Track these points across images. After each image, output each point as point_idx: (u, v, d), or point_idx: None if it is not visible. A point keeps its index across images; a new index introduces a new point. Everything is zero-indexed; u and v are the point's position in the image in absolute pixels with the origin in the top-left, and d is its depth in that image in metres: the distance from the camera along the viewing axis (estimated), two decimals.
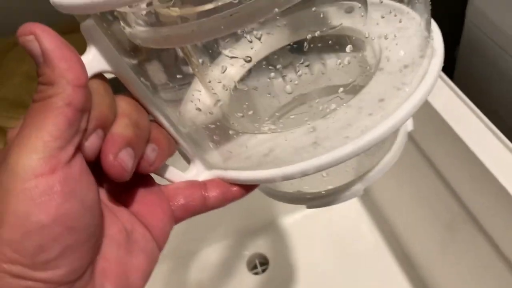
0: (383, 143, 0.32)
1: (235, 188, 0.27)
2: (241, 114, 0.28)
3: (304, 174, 0.25)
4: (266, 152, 0.27)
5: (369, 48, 0.29)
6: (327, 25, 0.27)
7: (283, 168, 0.26)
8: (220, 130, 0.29)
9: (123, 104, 0.24)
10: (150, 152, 0.24)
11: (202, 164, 0.28)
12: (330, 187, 0.31)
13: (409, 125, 0.33)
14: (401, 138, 0.32)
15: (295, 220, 0.73)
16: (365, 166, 0.32)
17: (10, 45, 0.60)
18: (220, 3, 0.20)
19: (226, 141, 0.28)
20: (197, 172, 0.28)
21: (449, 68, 0.71)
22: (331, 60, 0.28)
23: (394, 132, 0.31)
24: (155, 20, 0.23)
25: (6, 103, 0.55)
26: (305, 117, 0.27)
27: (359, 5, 0.28)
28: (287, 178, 0.26)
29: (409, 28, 0.29)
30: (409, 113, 0.25)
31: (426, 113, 0.52)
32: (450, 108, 0.50)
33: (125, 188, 0.25)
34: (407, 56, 0.28)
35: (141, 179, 0.25)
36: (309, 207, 0.32)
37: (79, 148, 0.21)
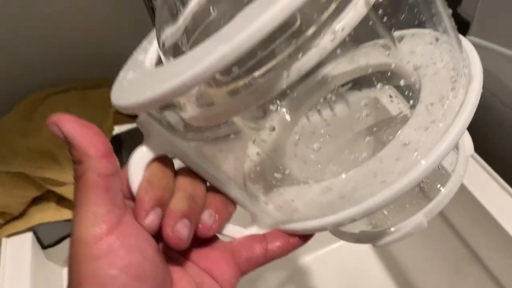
0: (441, 175, 0.32)
1: (293, 239, 0.30)
2: (278, 175, 0.31)
3: (352, 220, 0.27)
4: (310, 203, 0.29)
5: (407, 83, 0.30)
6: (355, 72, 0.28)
7: (331, 216, 0.27)
8: (265, 189, 0.31)
9: (181, 179, 0.27)
10: (208, 218, 0.27)
11: (262, 220, 0.30)
12: (393, 223, 0.32)
13: (468, 149, 0.32)
14: (460, 165, 0.32)
15: (305, 262, 0.74)
16: (426, 199, 0.32)
17: (41, 98, 0.64)
18: (243, 82, 0.24)
19: (274, 197, 0.31)
20: (258, 228, 0.30)
21: None
22: (360, 103, 0.29)
23: (451, 161, 0.32)
24: (198, 102, 0.26)
25: (35, 154, 0.58)
26: (339, 168, 0.29)
27: (389, 41, 0.29)
28: (337, 225, 0.27)
29: (436, 63, 0.29)
30: (447, 148, 0.25)
31: None
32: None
33: (193, 246, 0.28)
34: (433, 93, 0.28)
35: (207, 242, 0.29)
36: (375, 245, 0.32)
37: (125, 207, 0.25)
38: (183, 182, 0.27)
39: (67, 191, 0.59)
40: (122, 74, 0.26)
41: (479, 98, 0.26)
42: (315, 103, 0.29)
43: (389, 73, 0.28)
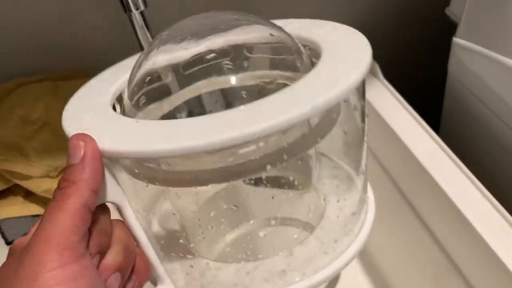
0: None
1: None
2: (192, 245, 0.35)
3: None
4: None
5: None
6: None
7: None
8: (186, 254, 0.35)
9: (118, 231, 0.29)
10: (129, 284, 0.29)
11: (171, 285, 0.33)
12: None
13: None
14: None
15: None
16: None
17: (7, 90, 0.61)
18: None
19: (191, 262, 0.34)
20: None
21: (435, 120, 0.72)
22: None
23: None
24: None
25: (0, 146, 0.55)
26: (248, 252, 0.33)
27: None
28: None
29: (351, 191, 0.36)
30: (354, 255, 0.32)
31: (411, 164, 0.53)
32: (434, 160, 0.51)
33: None
34: (351, 207, 0.35)
35: None
36: None
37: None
38: (120, 234, 0.29)
39: (34, 185, 0.57)
40: (74, 113, 0.30)
41: (372, 222, 0.34)
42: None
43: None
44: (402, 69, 0.87)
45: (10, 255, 0.26)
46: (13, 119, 0.58)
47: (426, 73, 0.91)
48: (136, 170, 0.30)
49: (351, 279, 0.73)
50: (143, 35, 0.55)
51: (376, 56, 0.67)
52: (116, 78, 0.33)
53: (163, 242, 0.36)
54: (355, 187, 0.36)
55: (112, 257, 0.27)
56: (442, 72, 0.70)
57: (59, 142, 0.59)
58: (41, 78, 0.66)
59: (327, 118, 0.30)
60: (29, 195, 0.59)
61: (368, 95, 0.58)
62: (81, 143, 0.25)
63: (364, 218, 0.34)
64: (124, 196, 0.29)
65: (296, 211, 0.36)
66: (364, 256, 0.75)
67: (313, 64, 0.30)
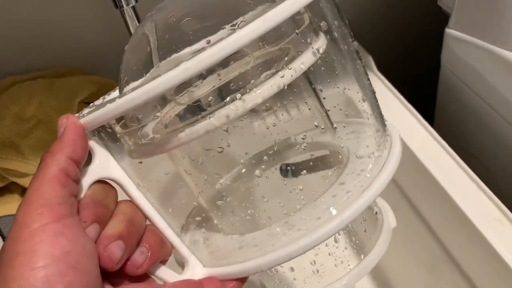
0: (369, 238, 0.36)
1: (230, 285, 0.30)
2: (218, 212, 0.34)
3: (289, 258, 0.29)
4: (249, 244, 0.31)
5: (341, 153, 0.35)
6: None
7: (267, 255, 0.29)
8: (208, 230, 0.34)
9: (122, 205, 0.29)
10: (138, 255, 0.28)
11: (198, 263, 0.32)
12: (323, 284, 0.35)
13: (392, 222, 0.37)
14: (385, 234, 0.36)
15: None
16: (353, 261, 0.36)
17: (1, 88, 0.61)
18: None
19: (214, 238, 0.34)
20: (193, 273, 0.31)
21: (430, 111, 0.73)
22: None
23: (379, 228, 0.36)
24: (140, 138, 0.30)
25: None
26: (284, 210, 0.32)
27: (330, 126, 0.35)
28: (272, 264, 0.29)
29: (367, 132, 0.35)
30: (373, 195, 0.29)
31: (405, 156, 0.53)
32: (428, 151, 0.51)
33: (128, 279, 0.28)
34: (362, 148, 0.33)
35: (142, 277, 0.29)
36: None
37: (75, 210, 0.26)
38: (125, 208, 0.29)
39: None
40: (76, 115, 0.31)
41: (398, 161, 0.32)
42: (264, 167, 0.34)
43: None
44: (395, 61, 0.87)
45: None
46: (8, 117, 0.58)
47: (419, 64, 0.91)
48: (133, 147, 0.31)
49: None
50: None
51: (369, 48, 0.67)
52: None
53: (184, 219, 0.36)
54: (371, 131, 0.35)
55: (112, 226, 0.27)
56: (435, 63, 0.71)
57: (54, 139, 0.59)
58: (35, 76, 0.65)
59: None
60: (25, 192, 0.59)
61: None
62: (64, 120, 0.28)
63: (388, 154, 0.33)
64: (125, 175, 0.29)
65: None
66: None
67: None
